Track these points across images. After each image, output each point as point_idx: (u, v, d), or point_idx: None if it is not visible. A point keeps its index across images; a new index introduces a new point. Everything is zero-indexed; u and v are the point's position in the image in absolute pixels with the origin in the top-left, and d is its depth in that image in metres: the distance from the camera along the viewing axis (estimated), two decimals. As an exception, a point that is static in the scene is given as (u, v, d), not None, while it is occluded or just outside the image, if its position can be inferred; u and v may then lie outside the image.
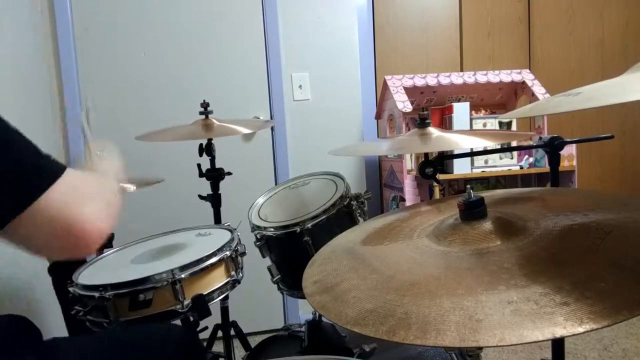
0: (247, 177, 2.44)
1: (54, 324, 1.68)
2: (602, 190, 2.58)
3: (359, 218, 1.32)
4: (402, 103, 2.14)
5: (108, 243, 1.34)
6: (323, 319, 1.36)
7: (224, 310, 1.65)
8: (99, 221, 0.65)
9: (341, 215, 1.29)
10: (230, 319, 1.66)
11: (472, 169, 2.22)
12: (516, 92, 2.48)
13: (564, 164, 2.18)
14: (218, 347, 1.68)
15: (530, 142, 2.18)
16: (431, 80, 2.30)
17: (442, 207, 0.85)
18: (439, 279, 0.58)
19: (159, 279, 1.05)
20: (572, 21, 2.78)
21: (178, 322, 1.12)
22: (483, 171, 2.23)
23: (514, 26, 2.74)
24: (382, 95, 2.39)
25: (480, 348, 0.79)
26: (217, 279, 1.15)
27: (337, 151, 1.12)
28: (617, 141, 2.85)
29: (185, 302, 1.07)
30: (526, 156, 2.33)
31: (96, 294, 1.04)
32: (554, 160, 1.14)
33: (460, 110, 2.21)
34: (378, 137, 2.61)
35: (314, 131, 2.56)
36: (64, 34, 2.33)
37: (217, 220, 1.66)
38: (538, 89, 2.29)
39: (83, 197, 0.66)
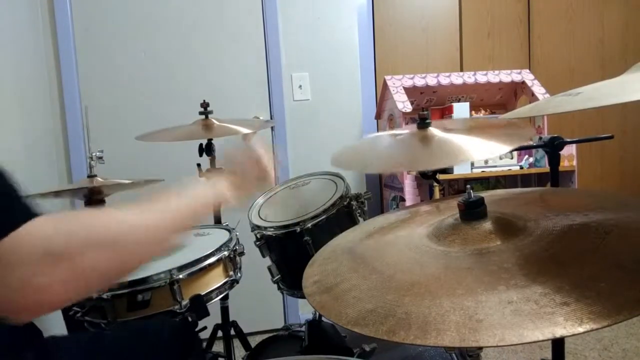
0: (247, 177, 2.43)
1: (53, 324, 1.68)
2: (602, 190, 2.58)
3: (359, 218, 1.32)
4: (402, 103, 2.14)
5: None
6: (323, 319, 1.36)
7: (224, 310, 1.65)
8: (33, 290, 0.49)
9: (341, 215, 1.29)
10: (230, 319, 1.66)
11: (472, 169, 2.22)
12: (516, 92, 2.48)
13: (564, 164, 2.18)
14: (218, 347, 1.68)
15: (530, 142, 2.18)
16: (431, 80, 2.29)
17: (442, 207, 0.85)
18: (439, 279, 0.58)
19: (157, 279, 1.05)
20: (572, 21, 2.78)
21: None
22: (483, 171, 2.23)
23: (514, 26, 2.74)
24: (382, 95, 2.39)
25: (480, 348, 0.78)
26: (216, 279, 1.15)
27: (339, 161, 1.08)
28: (617, 141, 2.84)
29: (184, 303, 1.07)
30: (526, 156, 2.33)
31: (94, 295, 1.04)
32: (554, 160, 1.14)
33: (460, 111, 2.20)
34: (378, 137, 2.61)
35: (314, 131, 2.56)
36: (64, 34, 2.33)
37: (217, 220, 1.66)
38: (538, 89, 2.29)
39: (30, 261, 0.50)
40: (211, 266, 1.13)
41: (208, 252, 1.14)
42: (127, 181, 1.52)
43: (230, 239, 1.22)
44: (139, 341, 0.99)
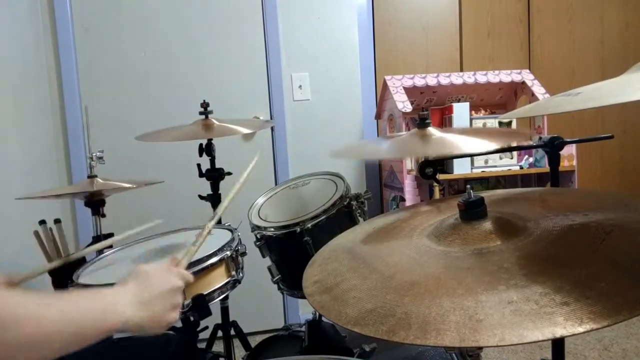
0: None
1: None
2: (602, 190, 2.58)
3: (359, 218, 1.32)
4: (402, 103, 2.14)
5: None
6: (323, 319, 1.36)
7: (224, 310, 1.65)
8: None
9: (341, 215, 1.29)
10: (231, 319, 1.66)
11: (472, 169, 2.22)
12: (516, 92, 2.48)
13: (564, 164, 2.18)
14: (218, 347, 1.68)
15: (530, 142, 2.18)
16: (431, 80, 2.30)
17: (442, 207, 0.85)
18: (439, 279, 0.58)
19: (159, 279, 1.05)
20: (572, 21, 2.78)
21: (178, 322, 1.12)
22: (483, 171, 2.23)
23: (514, 26, 2.74)
24: (382, 95, 2.39)
25: (480, 348, 0.79)
26: (218, 278, 1.15)
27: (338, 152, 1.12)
28: (617, 141, 2.84)
29: (186, 302, 1.06)
30: (526, 156, 2.33)
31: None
32: (554, 160, 1.14)
33: (460, 110, 2.21)
34: (378, 137, 2.61)
35: (314, 131, 2.56)
36: (64, 34, 2.33)
37: (217, 220, 1.66)
38: (538, 89, 2.29)
39: None
40: (213, 266, 1.13)
41: (210, 252, 1.13)
42: (127, 185, 1.52)
43: (232, 239, 1.22)
44: (140, 353, 0.98)
